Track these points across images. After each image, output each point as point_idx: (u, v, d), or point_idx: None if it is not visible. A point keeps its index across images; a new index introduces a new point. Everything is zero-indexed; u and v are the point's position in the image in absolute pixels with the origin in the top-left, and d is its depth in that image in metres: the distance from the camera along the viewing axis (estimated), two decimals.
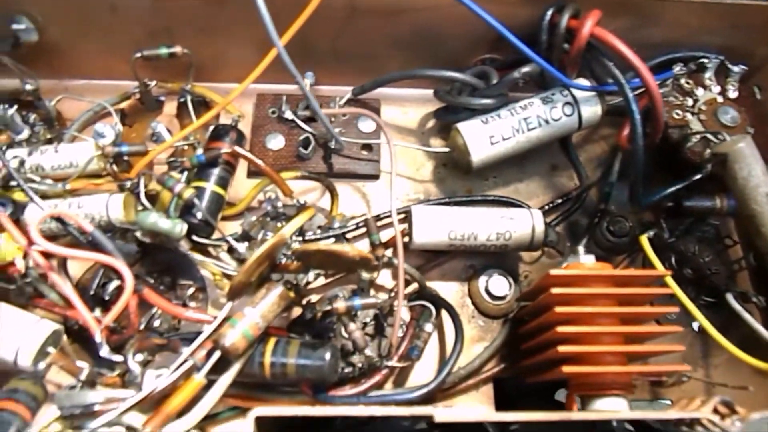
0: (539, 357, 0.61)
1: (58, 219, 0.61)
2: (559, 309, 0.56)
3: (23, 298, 0.63)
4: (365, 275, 0.64)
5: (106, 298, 0.65)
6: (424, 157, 0.82)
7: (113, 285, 0.65)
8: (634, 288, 0.59)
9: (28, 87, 0.74)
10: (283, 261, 0.63)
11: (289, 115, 0.79)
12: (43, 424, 0.49)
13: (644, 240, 0.70)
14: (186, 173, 0.69)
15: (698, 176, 0.69)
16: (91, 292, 0.65)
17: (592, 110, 0.74)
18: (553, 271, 0.59)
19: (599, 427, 0.62)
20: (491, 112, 0.74)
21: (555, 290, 0.57)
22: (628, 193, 0.71)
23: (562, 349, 0.55)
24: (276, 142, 0.79)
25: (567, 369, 0.55)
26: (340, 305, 0.60)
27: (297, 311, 0.66)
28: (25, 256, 0.61)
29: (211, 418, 0.62)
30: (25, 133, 0.74)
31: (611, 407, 0.56)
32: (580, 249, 0.65)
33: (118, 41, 0.76)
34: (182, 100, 0.79)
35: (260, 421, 0.48)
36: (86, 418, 0.50)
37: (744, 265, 0.75)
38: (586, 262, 0.63)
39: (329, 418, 0.65)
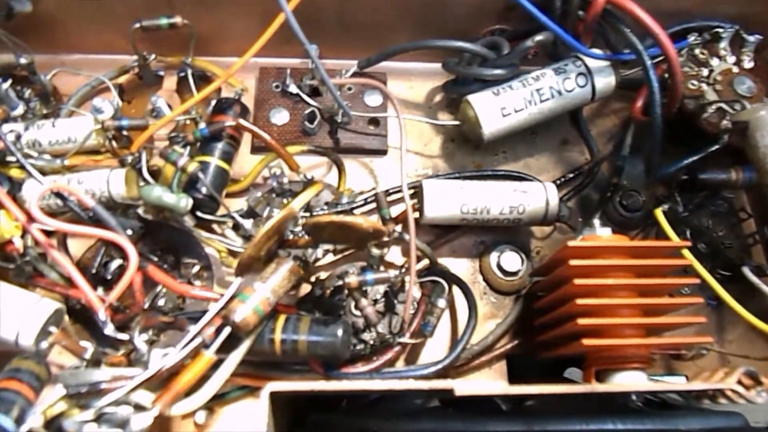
0: (556, 331, 0.59)
1: (58, 194, 0.59)
2: (577, 281, 0.55)
3: (23, 278, 0.61)
4: (375, 251, 0.63)
5: (108, 277, 0.64)
6: (432, 132, 0.80)
7: (115, 264, 0.64)
8: (652, 260, 0.58)
9: (23, 61, 0.71)
10: (291, 237, 0.61)
11: (293, 88, 0.76)
12: (49, 402, 0.47)
13: (659, 213, 0.68)
14: (189, 148, 0.66)
15: (716, 147, 0.67)
16: (93, 271, 0.63)
17: (605, 81, 0.72)
18: (571, 243, 0.58)
19: (615, 402, 0.61)
20: (502, 83, 0.72)
21: (573, 262, 0.56)
22: (644, 164, 0.70)
23: (582, 321, 0.54)
24: (280, 116, 0.76)
25: (587, 342, 0.53)
26: (352, 280, 0.58)
27: (305, 289, 0.65)
28: (24, 234, 0.59)
29: (219, 398, 0.61)
30: (20, 109, 0.71)
31: (631, 381, 0.55)
32: (596, 221, 0.63)
33: (115, 13, 0.73)
34: (182, 74, 0.77)
35: (273, 398, 0.47)
36: (93, 397, 0.48)
37: (758, 238, 0.73)
38: (602, 234, 0.62)
39: (335, 401, 0.64)
